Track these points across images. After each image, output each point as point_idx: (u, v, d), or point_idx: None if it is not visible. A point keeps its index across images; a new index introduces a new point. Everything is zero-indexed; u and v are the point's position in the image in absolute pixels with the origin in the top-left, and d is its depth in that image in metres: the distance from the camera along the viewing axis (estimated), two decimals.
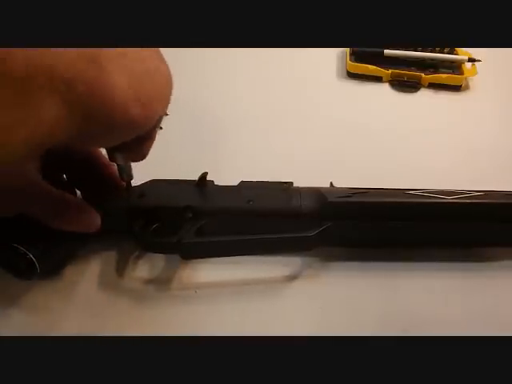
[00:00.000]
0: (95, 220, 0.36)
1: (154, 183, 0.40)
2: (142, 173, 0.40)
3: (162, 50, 0.29)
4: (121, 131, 0.28)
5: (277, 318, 0.37)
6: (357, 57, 0.60)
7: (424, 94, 0.58)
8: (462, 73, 0.59)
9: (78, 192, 0.40)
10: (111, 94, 0.25)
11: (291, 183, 0.41)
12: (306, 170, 0.46)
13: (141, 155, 0.34)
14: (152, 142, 0.34)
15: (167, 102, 0.30)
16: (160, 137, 0.38)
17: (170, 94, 0.29)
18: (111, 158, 0.35)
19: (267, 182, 0.41)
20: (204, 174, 0.40)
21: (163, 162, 0.45)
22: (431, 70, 0.60)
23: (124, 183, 0.38)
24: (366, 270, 0.40)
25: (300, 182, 0.42)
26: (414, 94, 0.59)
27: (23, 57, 0.23)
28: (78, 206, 0.35)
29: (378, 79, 0.60)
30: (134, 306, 0.38)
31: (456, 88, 0.59)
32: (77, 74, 0.24)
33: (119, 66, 0.25)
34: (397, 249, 0.41)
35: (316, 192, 0.40)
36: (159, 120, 0.31)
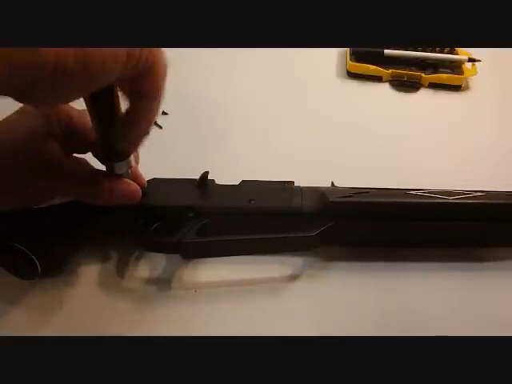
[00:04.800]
0: (133, 188, 0.35)
1: (154, 182, 0.40)
2: (142, 172, 0.40)
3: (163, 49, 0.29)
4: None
5: (277, 317, 0.37)
6: (357, 57, 0.60)
7: (424, 94, 0.59)
8: (461, 73, 0.59)
9: None
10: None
11: (292, 182, 0.41)
12: (306, 169, 0.47)
13: (139, 124, 0.30)
14: (146, 110, 0.30)
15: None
16: (160, 136, 0.38)
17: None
18: (110, 169, 0.34)
19: (268, 181, 0.41)
20: (205, 174, 0.40)
21: (164, 161, 0.45)
22: (431, 69, 0.60)
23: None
24: (367, 270, 0.40)
25: (301, 182, 0.42)
26: (414, 94, 0.59)
27: None
28: (109, 178, 0.35)
29: (378, 79, 0.60)
30: (134, 305, 0.38)
31: (456, 88, 0.59)
32: None
33: None
34: (397, 249, 0.42)
35: (317, 192, 0.40)
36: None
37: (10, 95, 0.24)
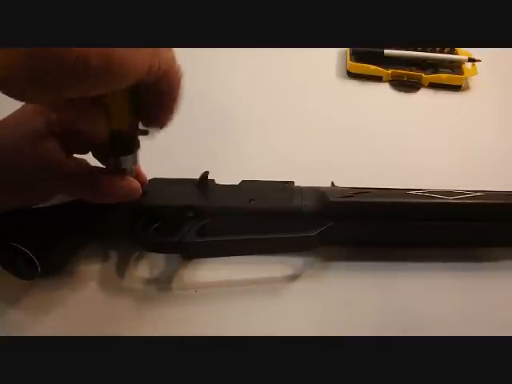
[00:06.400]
0: (133, 184, 0.35)
1: (155, 182, 0.40)
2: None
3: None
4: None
5: (277, 317, 0.37)
6: (357, 57, 0.60)
7: (424, 94, 0.59)
8: (461, 73, 0.59)
9: None
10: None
11: (292, 182, 0.41)
12: (306, 169, 0.46)
13: (157, 119, 0.34)
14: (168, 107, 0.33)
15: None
16: (161, 136, 0.38)
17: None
18: (115, 163, 0.34)
19: (268, 181, 0.41)
20: (205, 173, 0.40)
21: (164, 161, 0.45)
22: (431, 69, 0.60)
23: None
24: (367, 270, 0.40)
25: (301, 182, 0.42)
26: (414, 93, 0.59)
27: None
28: (109, 176, 0.35)
29: (378, 79, 0.60)
30: (134, 306, 0.38)
31: (456, 88, 0.59)
32: None
33: None
34: (397, 249, 0.41)
35: (317, 191, 0.40)
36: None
37: (26, 84, 0.25)
